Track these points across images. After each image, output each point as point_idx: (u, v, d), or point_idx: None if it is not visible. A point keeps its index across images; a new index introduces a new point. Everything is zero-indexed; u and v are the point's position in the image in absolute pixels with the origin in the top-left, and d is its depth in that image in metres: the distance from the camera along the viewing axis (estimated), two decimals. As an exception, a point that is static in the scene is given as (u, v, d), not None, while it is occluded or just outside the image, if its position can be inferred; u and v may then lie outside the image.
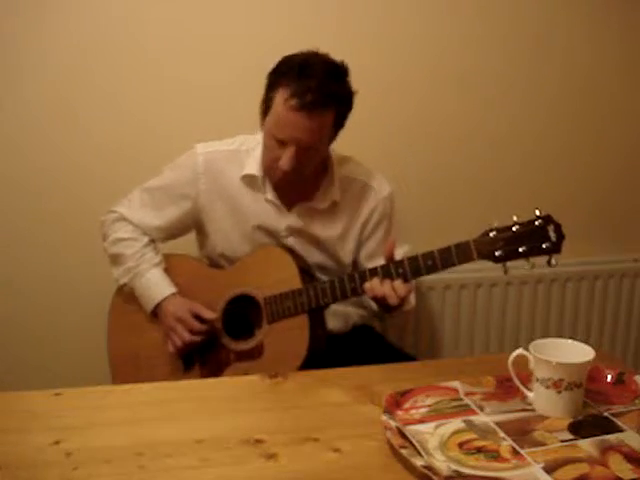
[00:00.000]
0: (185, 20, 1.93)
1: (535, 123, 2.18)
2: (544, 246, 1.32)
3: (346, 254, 1.63)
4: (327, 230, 1.60)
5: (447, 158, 2.15)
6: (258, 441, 1.07)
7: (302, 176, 1.50)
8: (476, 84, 2.12)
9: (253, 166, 1.56)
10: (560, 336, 1.25)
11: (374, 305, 1.52)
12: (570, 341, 1.17)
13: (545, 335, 2.13)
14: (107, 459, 1.02)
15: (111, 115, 1.95)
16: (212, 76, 1.96)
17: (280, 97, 1.42)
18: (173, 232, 1.67)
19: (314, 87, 1.39)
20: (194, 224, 1.66)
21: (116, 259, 1.65)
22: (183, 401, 1.22)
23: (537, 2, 2.10)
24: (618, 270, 2.25)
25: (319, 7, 1.98)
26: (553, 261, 1.33)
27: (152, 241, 1.66)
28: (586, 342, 1.16)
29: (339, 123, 1.49)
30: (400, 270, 1.40)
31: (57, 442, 1.07)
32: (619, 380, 1.22)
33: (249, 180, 1.58)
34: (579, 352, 1.13)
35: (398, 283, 1.38)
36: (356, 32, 2.00)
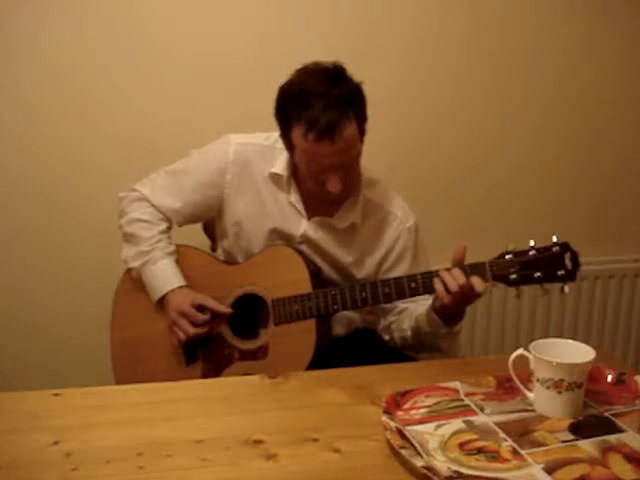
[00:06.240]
0: (191, 13, 1.93)
1: (534, 124, 2.19)
2: (559, 273, 1.31)
3: (360, 275, 1.60)
4: (342, 252, 1.58)
5: (445, 162, 2.15)
6: (258, 441, 1.07)
7: (353, 185, 1.51)
8: (473, 87, 2.12)
9: (282, 165, 1.55)
10: (560, 336, 1.25)
11: (424, 325, 1.49)
12: (570, 341, 1.17)
13: (545, 335, 2.14)
14: (107, 459, 1.02)
15: (117, 111, 1.95)
16: (221, 71, 1.96)
17: (297, 135, 1.40)
18: (193, 217, 1.66)
19: (322, 110, 1.35)
20: (215, 212, 1.65)
21: (130, 239, 1.62)
22: (183, 401, 1.22)
23: (535, 3, 2.10)
24: (619, 270, 2.25)
25: (321, 5, 1.98)
26: (566, 289, 1.32)
27: (169, 229, 1.64)
28: (586, 342, 1.15)
29: (362, 119, 1.44)
30: (412, 284, 1.41)
31: (57, 442, 1.07)
32: (620, 380, 1.22)
33: (276, 179, 1.57)
34: (579, 352, 1.13)
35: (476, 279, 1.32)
36: (357, 32, 2.01)
